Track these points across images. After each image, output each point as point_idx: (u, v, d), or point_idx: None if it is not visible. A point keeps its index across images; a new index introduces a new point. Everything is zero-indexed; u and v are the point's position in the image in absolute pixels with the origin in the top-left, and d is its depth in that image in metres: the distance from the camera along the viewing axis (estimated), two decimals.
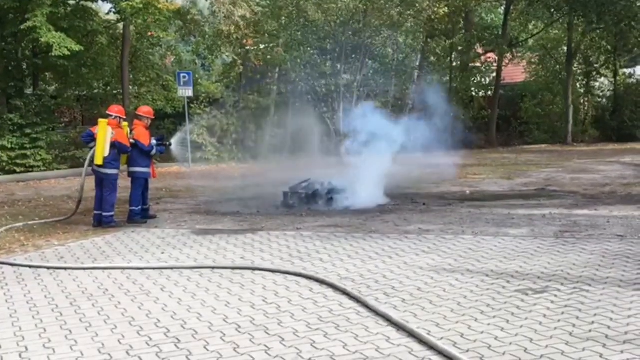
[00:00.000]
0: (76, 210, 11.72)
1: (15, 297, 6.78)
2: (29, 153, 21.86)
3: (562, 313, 5.55)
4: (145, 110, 11.86)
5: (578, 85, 34.45)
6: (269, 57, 26.69)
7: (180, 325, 5.67)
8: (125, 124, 11.26)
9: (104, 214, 10.88)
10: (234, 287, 6.85)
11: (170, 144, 12.40)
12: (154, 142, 11.45)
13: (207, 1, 27.18)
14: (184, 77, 23.41)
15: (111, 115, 11.03)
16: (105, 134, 10.65)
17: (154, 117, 11.98)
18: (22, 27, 20.80)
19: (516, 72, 35.17)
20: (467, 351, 4.78)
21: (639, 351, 4.67)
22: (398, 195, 13.24)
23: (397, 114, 21.07)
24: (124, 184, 11.87)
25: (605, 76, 34.75)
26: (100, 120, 11.03)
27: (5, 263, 8.38)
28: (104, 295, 6.72)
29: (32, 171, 21.66)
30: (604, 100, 34.77)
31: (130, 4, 22.05)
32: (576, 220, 10.01)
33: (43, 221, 11.78)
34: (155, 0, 23.06)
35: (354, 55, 25.82)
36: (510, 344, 4.92)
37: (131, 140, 11.14)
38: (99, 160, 10.71)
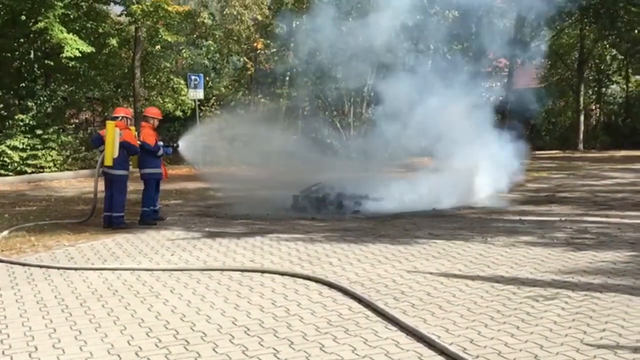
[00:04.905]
0: (91, 215, 11.70)
1: (25, 297, 6.81)
2: (40, 154, 21.97)
3: (573, 320, 5.51)
4: (153, 111, 11.91)
5: (590, 92, 34.31)
6: (279, 61, 26.70)
7: (190, 327, 5.67)
8: (132, 128, 11.34)
9: (114, 214, 10.92)
10: (243, 290, 6.84)
11: (177, 146, 12.43)
12: (160, 143, 11.51)
13: (218, 4, 27.24)
14: (195, 79, 23.45)
15: (118, 117, 11.10)
16: (113, 135, 10.69)
17: (161, 118, 12.02)
18: (33, 28, 20.93)
19: (527, 78, 35.03)
20: (477, 357, 4.76)
21: None
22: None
23: None
24: (133, 186, 11.90)
25: (617, 83, 34.60)
26: (107, 121, 11.11)
27: (15, 263, 8.42)
28: (113, 296, 6.74)
29: (43, 172, 21.78)
30: (616, 106, 34.62)
31: (141, 6, 22.15)
32: (587, 227, 9.95)
33: (54, 222, 11.83)
34: (165, 3, 23.15)
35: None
36: (521, 350, 4.89)
37: (138, 142, 11.19)
38: (108, 162, 10.75)
